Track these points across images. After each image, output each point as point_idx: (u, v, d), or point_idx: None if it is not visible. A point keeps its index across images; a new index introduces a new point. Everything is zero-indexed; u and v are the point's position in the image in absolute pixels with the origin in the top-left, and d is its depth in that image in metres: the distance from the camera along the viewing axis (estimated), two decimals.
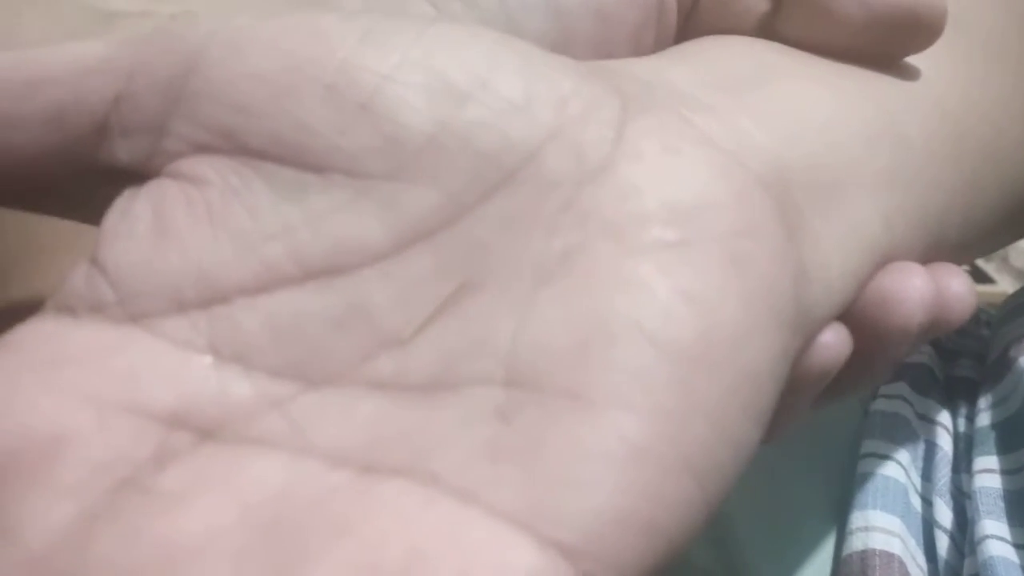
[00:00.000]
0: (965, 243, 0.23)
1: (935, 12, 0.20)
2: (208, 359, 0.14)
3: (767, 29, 0.21)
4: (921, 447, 0.29)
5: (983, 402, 0.29)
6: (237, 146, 0.15)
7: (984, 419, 0.29)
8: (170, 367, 0.14)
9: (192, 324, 0.14)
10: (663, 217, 0.15)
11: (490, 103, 0.15)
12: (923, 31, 0.21)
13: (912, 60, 0.22)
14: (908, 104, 0.21)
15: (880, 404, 0.30)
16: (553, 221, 0.15)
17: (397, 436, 0.14)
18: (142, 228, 0.15)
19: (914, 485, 0.28)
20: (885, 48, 0.21)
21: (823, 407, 0.21)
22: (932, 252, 0.21)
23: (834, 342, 0.18)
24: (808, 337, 0.18)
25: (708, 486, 0.14)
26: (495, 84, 0.15)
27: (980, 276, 1.06)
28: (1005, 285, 1.06)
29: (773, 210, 0.16)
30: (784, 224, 0.16)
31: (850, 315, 0.19)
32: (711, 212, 0.15)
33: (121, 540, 0.12)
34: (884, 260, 0.19)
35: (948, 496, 0.28)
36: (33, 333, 0.14)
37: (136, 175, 0.15)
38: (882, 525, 0.27)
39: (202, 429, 0.14)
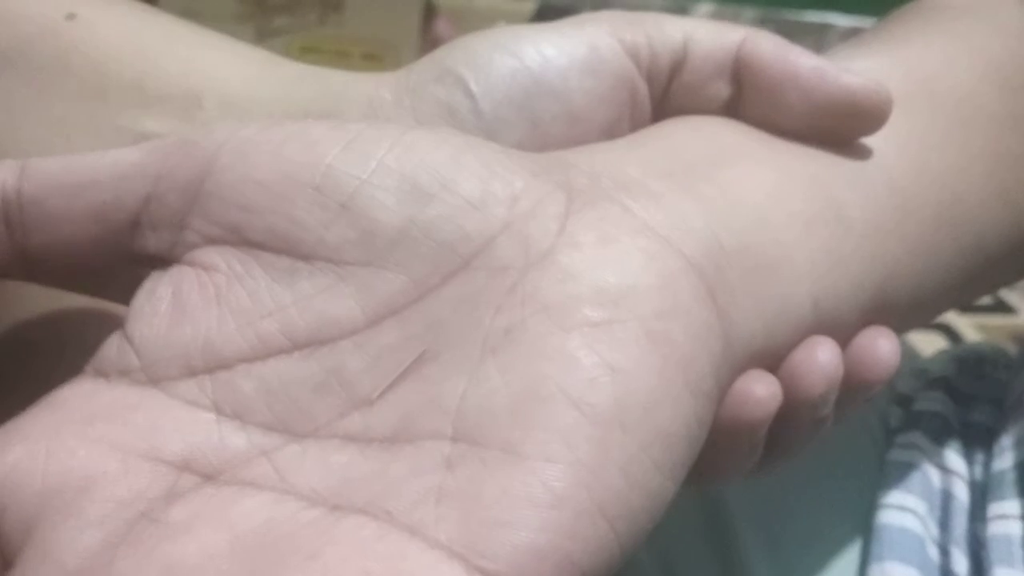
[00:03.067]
0: (921, 303, 0.25)
1: (878, 101, 0.23)
2: (212, 415, 0.17)
3: (732, 111, 0.24)
4: (937, 497, 0.30)
5: (1003, 442, 0.29)
6: (241, 238, 0.18)
7: (1005, 461, 0.29)
8: (181, 422, 0.17)
9: (200, 386, 0.17)
10: (592, 299, 0.17)
11: (450, 201, 0.18)
12: (869, 117, 0.23)
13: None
14: (853, 182, 0.23)
15: (896, 454, 0.30)
16: (500, 301, 0.17)
17: (361, 481, 0.16)
18: (163, 307, 0.18)
19: (931, 535, 0.29)
20: (835, 131, 0.23)
21: (770, 471, 0.23)
22: (873, 317, 0.23)
23: (763, 395, 0.20)
24: None
25: (620, 528, 0.16)
26: (455, 185, 0.18)
27: (1002, 307, 1.05)
28: None
29: (700, 292, 0.19)
30: (712, 304, 0.19)
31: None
32: (636, 295, 0.18)
33: (136, 561, 0.15)
34: (810, 334, 0.21)
35: (964, 545, 0.28)
36: (72, 393, 0.17)
37: (160, 261, 0.19)
38: None
39: (205, 473, 0.17)
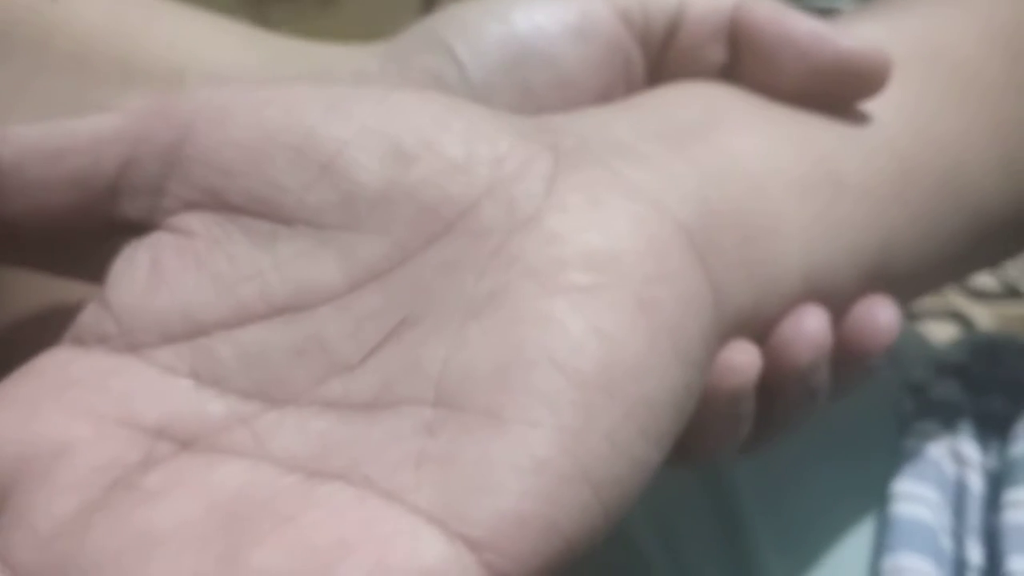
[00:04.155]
0: (920, 272, 0.24)
1: (876, 65, 0.22)
2: (189, 382, 0.17)
3: (728, 75, 0.23)
4: (951, 486, 0.29)
5: (1019, 428, 0.29)
6: (221, 203, 0.18)
7: (1021, 446, 0.28)
8: (158, 389, 0.17)
9: (177, 353, 0.17)
10: (580, 263, 0.17)
11: (434, 163, 0.18)
12: (867, 81, 0.23)
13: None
14: (851, 147, 0.23)
15: (909, 443, 0.30)
16: (484, 265, 0.17)
17: (340, 447, 0.16)
18: (141, 274, 0.18)
19: (945, 525, 0.28)
20: (833, 95, 0.23)
21: (765, 445, 0.23)
22: (871, 286, 0.23)
23: (742, 363, 0.20)
24: None
25: (604, 495, 0.16)
26: (439, 146, 0.18)
27: (1012, 293, 1.05)
28: None
29: (690, 258, 0.18)
30: (702, 271, 0.18)
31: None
32: (625, 259, 0.17)
33: (111, 527, 0.15)
34: (803, 303, 0.21)
35: (979, 535, 0.28)
36: (50, 360, 0.17)
37: (140, 228, 0.18)
38: (914, 567, 0.27)
39: (182, 440, 0.16)
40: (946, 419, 0.31)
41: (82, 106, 0.22)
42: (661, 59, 0.23)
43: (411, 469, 0.15)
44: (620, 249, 0.17)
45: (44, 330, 0.25)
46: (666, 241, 0.18)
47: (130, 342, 0.17)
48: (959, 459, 0.30)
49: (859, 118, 0.23)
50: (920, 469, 0.29)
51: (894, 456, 0.30)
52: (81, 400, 0.16)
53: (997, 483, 0.29)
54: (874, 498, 0.29)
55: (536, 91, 0.22)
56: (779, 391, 0.21)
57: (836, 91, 0.23)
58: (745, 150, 0.21)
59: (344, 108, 0.18)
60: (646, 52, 0.23)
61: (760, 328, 0.20)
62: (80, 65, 0.22)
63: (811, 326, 0.21)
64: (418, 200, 0.17)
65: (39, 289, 0.24)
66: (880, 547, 0.28)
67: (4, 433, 0.16)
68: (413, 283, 0.17)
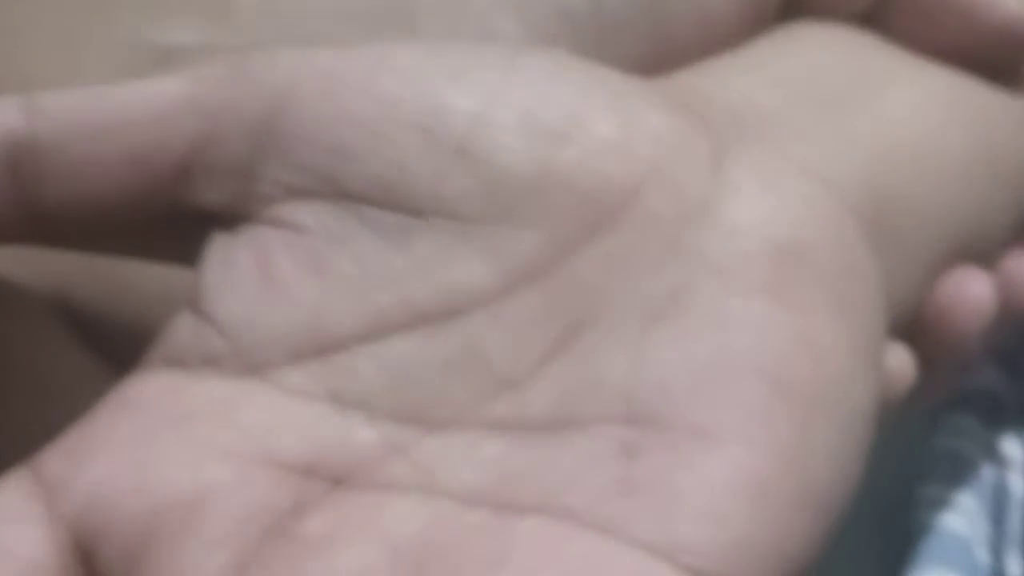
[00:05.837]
0: None
1: None
2: (330, 408, 0.15)
3: (868, 22, 0.22)
4: (989, 491, 0.28)
5: None
6: (335, 190, 0.16)
7: None
8: (295, 417, 0.15)
9: (310, 373, 0.15)
10: (767, 257, 0.16)
11: (587, 143, 0.16)
12: (1021, 51, 0.22)
13: None
14: (1003, 124, 0.22)
15: (942, 441, 0.28)
16: (658, 260, 0.16)
17: (525, 474, 0.14)
18: (247, 278, 0.16)
19: (981, 536, 0.27)
20: (987, 59, 0.22)
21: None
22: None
23: (901, 370, 0.19)
24: None
25: (824, 519, 0.15)
26: (589, 122, 0.16)
27: None
28: None
29: (867, 247, 0.17)
30: (879, 262, 0.17)
31: (912, 324, 0.20)
32: (814, 252, 0.16)
33: None
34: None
35: (1020, 545, 0.27)
36: (150, 389, 0.15)
37: (221, 218, 0.16)
38: None
39: (334, 476, 0.15)
40: (984, 412, 0.29)
41: (113, 43, 0.20)
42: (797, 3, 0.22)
43: (618, 497, 0.14)
44: (807, 240, 0.16)
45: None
46: (847, 230, 0.17)
47: (249, 362, 0.15)
48: (998, 459, 0.28)
49: (1007, 89, 0.23)
50: (953, 472, 0.28)
51: (922, 455, 0.28)
52: (208, 437, 0.15)
53: None
54: (897, 504, 0.28)
55: (673, 27, 0.20)
56: (935, 360, 0.21)
57: (992, 56, 0.22)
58: (908, 124, 0.20)
59: (470, 76, 0.16)
60: None
61: (911, 320, 0.20)
62: None
63: (977, 292, 0.20)
64: (574, 187, 0.16)
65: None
66: (902, 561, 0.26)
67: (123, 482, 0.14)
68: (577, 283, 0.16)
